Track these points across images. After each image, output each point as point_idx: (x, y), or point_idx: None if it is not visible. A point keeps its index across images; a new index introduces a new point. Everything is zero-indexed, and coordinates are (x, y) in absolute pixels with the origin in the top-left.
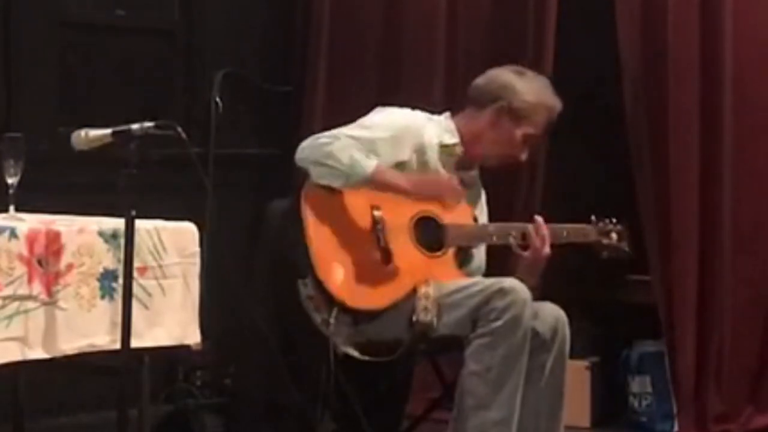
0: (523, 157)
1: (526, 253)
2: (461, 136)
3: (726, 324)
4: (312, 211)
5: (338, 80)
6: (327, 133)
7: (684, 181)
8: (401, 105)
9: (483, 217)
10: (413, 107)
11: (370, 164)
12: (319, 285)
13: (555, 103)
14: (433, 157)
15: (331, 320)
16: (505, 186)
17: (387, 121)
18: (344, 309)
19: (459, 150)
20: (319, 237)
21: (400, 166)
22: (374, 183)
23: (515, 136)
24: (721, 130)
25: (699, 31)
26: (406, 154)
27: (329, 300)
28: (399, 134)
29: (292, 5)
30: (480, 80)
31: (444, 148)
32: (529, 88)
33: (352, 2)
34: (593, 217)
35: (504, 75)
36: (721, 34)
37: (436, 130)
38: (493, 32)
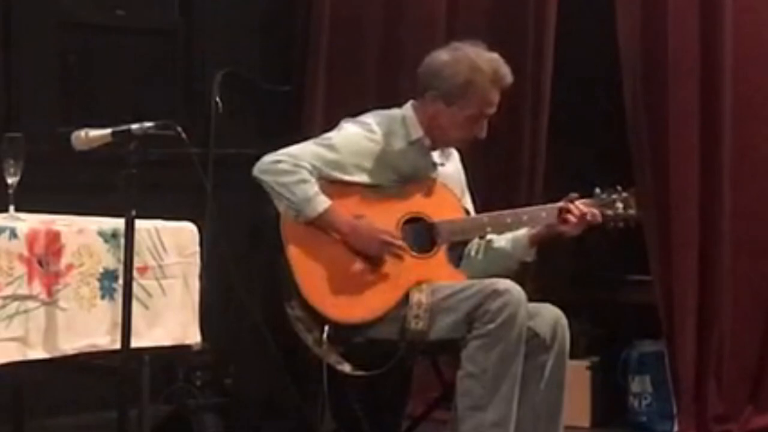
0: (481, 134)
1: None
2: (422, 126)
3: (726, 324)
4: (291, 231)
5: (338, 80)
6: (291, 154)
7: (684, 180)
8: (400, 105)
9: (466, 195)
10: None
11: (321, 204)
12: (307, 306)
13: (490, 74)
14: (407, 163)
15: (324, 338)
16: (505, 185)
17: (352, 147)
18: (336, 325)
19: (426, 142)
20: (300, 257)
21: (373, 187)
22: (321, 222)
23: (458, 118)
24: (721, 130)
25: (699, 31)
26: (377, 176)
27: (319, 319)
28: (365, 160)
29: (292, 5)
30: (420, 67)
31: (411, 145)
32: (457, 69)
33: (352, 2)
34: (597, 189)
35: (435, 59)
36: (721, 34)
37: (401, 131)
38: (493, 32)
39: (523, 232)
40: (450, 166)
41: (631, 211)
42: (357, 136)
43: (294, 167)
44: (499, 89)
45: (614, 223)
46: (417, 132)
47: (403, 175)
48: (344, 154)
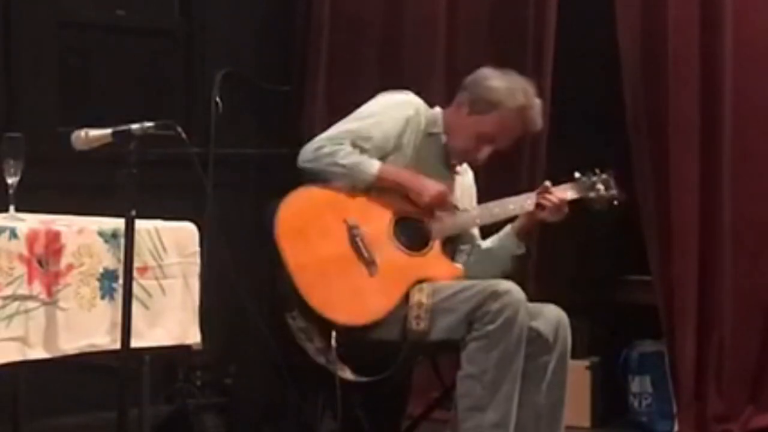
0: (480, 157)
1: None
2: (445, 128)
3: (726, 324)
4: (287, 240)
5: (338, 80)
6: (329, 137)
7: (684, 181)
8: None
9: (473, 201)
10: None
11: (372, 166)
12: (310, 313)
13: (522, 107)
14: (420, 152)
15: (333, 344)
16: (505, 184)
17: (389, 107)
18: (340, 330)
19: (443, 139)
20: (299, 264)
21: (396, 151)
22: (380, 181)
23: (469, 130)
24: (722, 130)
25: (699, 31)
26: (404, 140)
27: (323, 325)
28: (400, 119)
29: (292, 5)
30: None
31: (429, 136)
32: (497, 86)
33: (352, 2)
34: (576, 174)
35: (484, 72)
36: (721, 35)
37: (423, 119)
38: (493, 32)
39: (507, 228)
40: (464, 180)
41: (613, 192)
42: (395, 99)
43: (335, 145)
44: (522, 127)
45: (599, 205)
46: (437, 127)
47: (415, 160)
48: (381, 115)
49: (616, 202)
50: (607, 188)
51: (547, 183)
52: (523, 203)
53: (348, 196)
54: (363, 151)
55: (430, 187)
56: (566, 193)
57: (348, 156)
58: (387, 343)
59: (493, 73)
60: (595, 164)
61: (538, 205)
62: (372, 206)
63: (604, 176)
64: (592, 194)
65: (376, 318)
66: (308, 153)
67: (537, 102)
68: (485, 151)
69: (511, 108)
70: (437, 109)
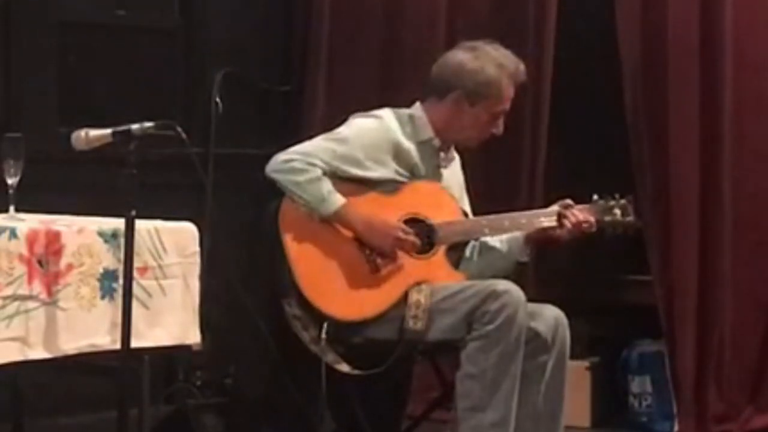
0: (499, 131)
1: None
2: (433, 127)
3: (726, 324)
4: (290, 229)
5: (338, 79)
6: (302, 152)
7: (684, 181)
8: (401, 104)
9: (465, 199)
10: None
11: (335, 202)
12: (305, 303)
13: (512, 70)
14: (416, 157)
15: (323, 336)
16: (505, 186)
17: (363, 139)
18: (334, 322)
19: (436, 142)
20: (300, 254)
21: (385, 183)
22: (335, 219)
23: (482, 117)
24: (721, 131)
25: (699, 33)
26: (388, 170)
27: (318, 316)
28: (377, 151)
29: (292, 5)
30: (434, 68)
31: (421, 144)
32: (480, 66)
33: (352, 1)
34: (595, 196)
35: (454, 59)
36: (721, 36)
37: (409, 129)
38: (493, 30)
39: (517, 233)
40: (451, 170)
41: (630, 218)
42: (368, 130)
43: (306, 165)
44: (515, 85)
45: (613, 229)
46: (427, 132)
47: (412, 173)
48: (356, 147)
49: (631, 230)
50: (624, 214)
51: (569, 201)
52: (534, 220)
53: (356, 193)
54: (339, 171)
55: (386, 242)
56: (586, 214)
57: (313, 183)
58: (384, 342)
59: (461, 55)
60: (595, 165)
61: (559, 222)
62: (380, 204)
63: (622, 202)
64: (607, 218)
65: (368, 316)
66: (277, 163)
67: (508, 52)
68: (501, 124)
69: (504, 77)
70: (416, 110)
